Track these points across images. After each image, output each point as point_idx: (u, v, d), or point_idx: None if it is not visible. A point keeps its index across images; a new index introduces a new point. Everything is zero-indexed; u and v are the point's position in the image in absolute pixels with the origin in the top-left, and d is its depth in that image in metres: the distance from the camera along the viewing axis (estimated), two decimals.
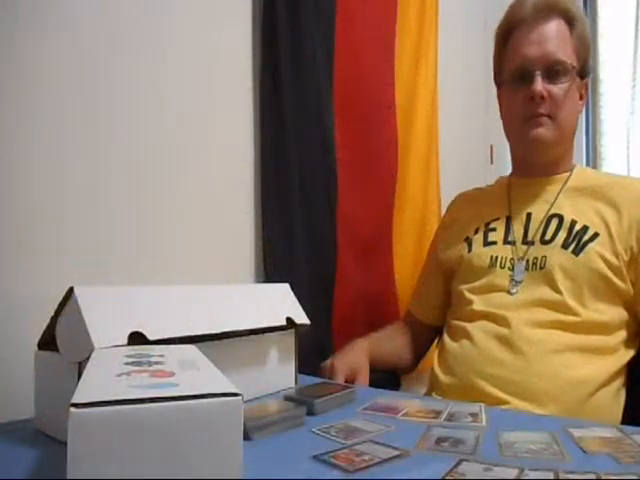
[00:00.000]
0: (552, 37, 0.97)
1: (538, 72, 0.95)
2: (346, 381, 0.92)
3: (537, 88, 0.95)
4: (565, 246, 0.92)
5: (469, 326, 0.95)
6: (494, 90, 1.10)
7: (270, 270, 1.10)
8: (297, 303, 0.86)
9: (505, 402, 0.85)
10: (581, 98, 1.03)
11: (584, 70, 1.00)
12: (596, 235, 0.92)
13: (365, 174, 1.33)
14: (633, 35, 2.08)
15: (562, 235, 0.94)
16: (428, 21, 1.53)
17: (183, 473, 0.33)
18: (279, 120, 1.13)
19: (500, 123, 1.08)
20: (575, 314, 0.89)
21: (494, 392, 0.86)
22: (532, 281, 0.93)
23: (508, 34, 1.02)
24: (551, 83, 0.96)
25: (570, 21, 0.98)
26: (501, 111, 1.07)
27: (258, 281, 1.12)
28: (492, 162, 1.86)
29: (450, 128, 1.64)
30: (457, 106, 1.72)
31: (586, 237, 0.92)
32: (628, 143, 2.07)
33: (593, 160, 2.14)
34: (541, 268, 0.93)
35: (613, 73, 2.06)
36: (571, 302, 0.89)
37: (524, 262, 0.95)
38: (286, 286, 0.87)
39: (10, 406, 0.69)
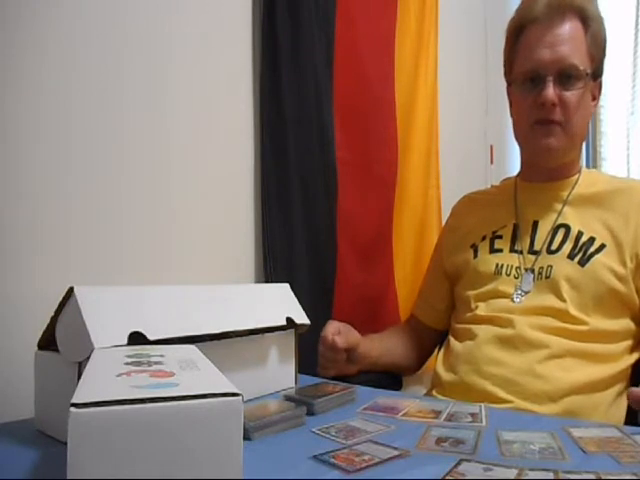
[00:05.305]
0: (566, 40, 0.93)
1: (550, 78, 0.92)
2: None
3: (548, 95, 0.91)
4: (571, 257, 0.92)
5: (473, 327, 0.95)
6: (494, 90, 1.08)
7: (270, 270, 1.10)
8: (297, 303, 0.86)
9: (506, 402, 0.85)
10: (594, 99, 1.00)
11: (598, 71, 0.97)
12: (603, 246, 0.91)
13: (365, 173, 1.33)
14: (633, 35, 2.08)
15: (568, 246, 0.93)
16: (428, 21, 1.53)
17: (183, 473, 0.33)
18: (279, 120, 1.13)
19: (500, 123, 1.06)
20: (579, 323, 0.88)
21: (495, 391, 0.86)
22: (538, 290, 0.92)
23: (519, 32, 0.98)
24: (563, 89, 0.93)
25: (585, 20, 0.94)
26: (511, 109, 1.04)
27: (258, 281, 1.12)
28: (492, 162, 1.86)
29: (450, 128, 1.63)
30: (457, 106, 1.72)
31: (592, 249, 0.91)
32: (628, 143, 2.08)
33: (593, 160, 2.14)
34: (547, 277, 0.92)
35: (613, 73, 2.06)
36: (575, 312, 0.88)
37: (532, 273, 0.94)
38: (286, 286, 0.87)
39: (10, 406, 0.69)
